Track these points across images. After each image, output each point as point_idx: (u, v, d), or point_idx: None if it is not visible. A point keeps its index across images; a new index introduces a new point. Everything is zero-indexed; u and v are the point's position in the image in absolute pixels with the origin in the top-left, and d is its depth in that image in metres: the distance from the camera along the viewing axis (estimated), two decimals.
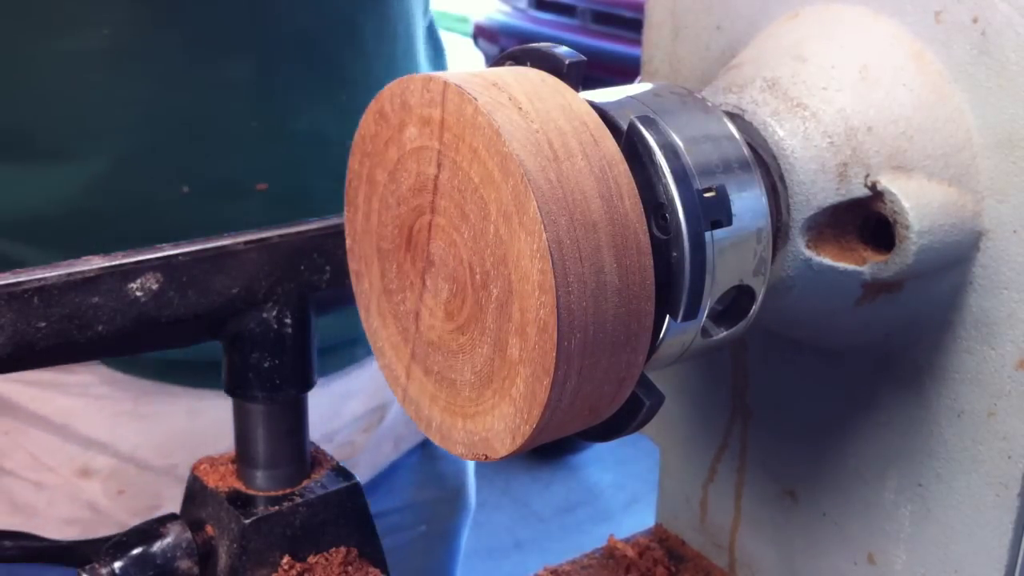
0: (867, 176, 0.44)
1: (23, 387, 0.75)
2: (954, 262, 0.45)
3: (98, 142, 0.68)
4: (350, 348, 0.83)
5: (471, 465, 1.00)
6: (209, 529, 0.52)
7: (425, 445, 0.93)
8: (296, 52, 0.67)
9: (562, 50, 0.41)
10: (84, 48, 0.66)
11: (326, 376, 0.81)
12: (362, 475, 0.85)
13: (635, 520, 1.01)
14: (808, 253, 0.45)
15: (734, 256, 0.41)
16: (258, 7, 0.68)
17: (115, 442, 0.76)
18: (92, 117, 0.67)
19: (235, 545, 0.50)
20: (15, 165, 0.69)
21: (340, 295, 0.51)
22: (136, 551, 0.50)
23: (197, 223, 0.55)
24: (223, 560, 0.51)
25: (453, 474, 0.96)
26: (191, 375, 0.76)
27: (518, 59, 0.42)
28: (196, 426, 0.73)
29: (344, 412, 0.83)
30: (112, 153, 0.69)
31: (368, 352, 0.85)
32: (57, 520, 0.77)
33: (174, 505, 0.55)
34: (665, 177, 0.39)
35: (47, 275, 0.44)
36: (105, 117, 0.67)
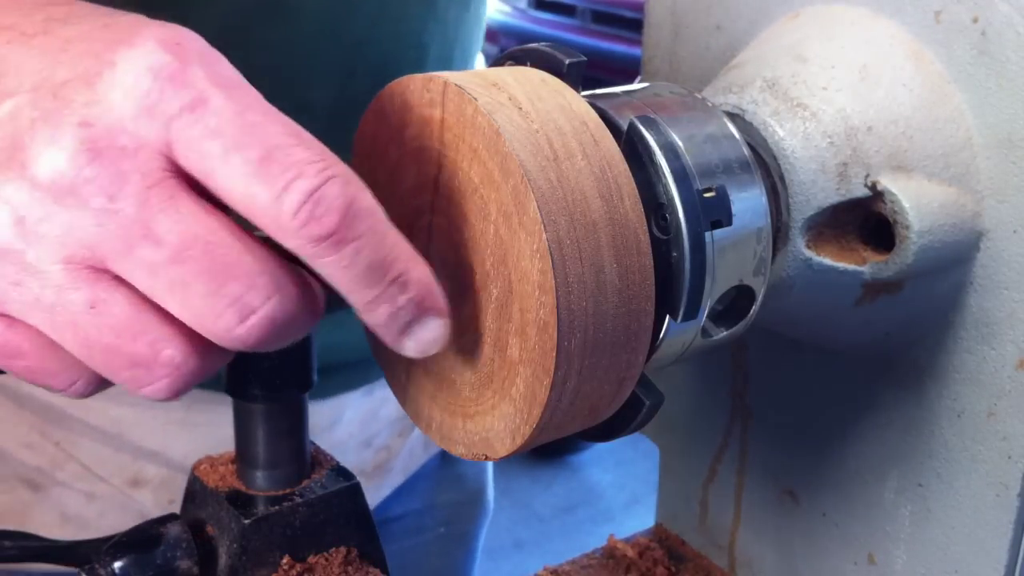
0: (867, 176, 0.44)
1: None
2: (954, 262, 0.45)
3: None
4: None
5: (490, 468, 1.00)
6: (209, 529, 0.52)
7: None
8: (370, 77, 0.68)
9: (562, 50, 0.41)
10: None
11: (370, 383, 0.81)
12: (395, 480, 0.86)
13: (635, 520, 1.01)
14: (808, 253, 0.45)
15: (734, 256, 0.41)
16: (339, 31, 0.68)
17: (166, 451, 0.76)
18: None
19: (235, 545, 0.50)
20: None
21: (340, 295, 0.51)
22: (136, 551, 0.50)
23: None
24: (223, 560, 0.51)
25: (473, 476, 0.96)
26: None
27: (518, 59, 0.42)
28: None
29: (381, 415, 0.84)
30: None
31: None
32: (107, 531, 0.76)
33: None
34: (665, 177, 0.39)
35: None
36: None
